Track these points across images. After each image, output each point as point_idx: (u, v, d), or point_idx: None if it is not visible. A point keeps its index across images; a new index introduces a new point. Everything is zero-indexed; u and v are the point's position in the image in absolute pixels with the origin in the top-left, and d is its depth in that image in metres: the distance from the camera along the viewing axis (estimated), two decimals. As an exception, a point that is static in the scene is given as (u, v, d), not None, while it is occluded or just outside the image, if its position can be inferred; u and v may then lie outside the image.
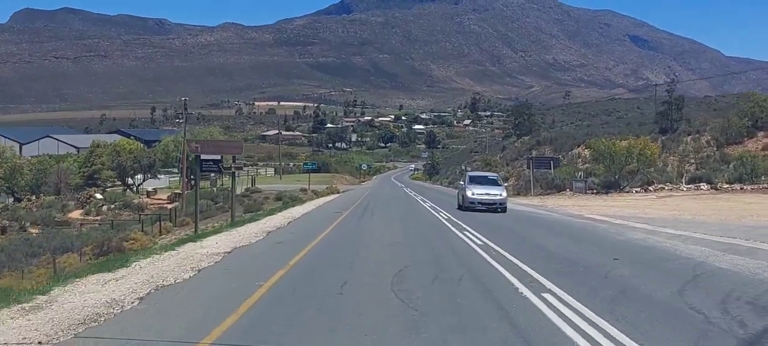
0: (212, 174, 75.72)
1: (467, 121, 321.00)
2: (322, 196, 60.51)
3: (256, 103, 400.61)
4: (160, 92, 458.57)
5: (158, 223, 44.17)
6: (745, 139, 58.33)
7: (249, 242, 18.46)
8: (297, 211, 35.15)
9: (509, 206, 42.21)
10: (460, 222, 25.25)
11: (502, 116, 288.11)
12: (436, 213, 31.93)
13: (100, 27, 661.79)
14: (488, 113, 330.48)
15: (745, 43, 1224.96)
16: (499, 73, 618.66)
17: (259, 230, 22.16)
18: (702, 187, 51.52)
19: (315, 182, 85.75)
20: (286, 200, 48.93)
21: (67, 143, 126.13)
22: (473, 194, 33.75)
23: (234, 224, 26.24)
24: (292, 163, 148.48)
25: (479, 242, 17.58)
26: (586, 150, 72.33)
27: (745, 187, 50.22)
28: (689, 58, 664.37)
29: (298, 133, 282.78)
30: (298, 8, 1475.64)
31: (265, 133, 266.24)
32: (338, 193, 67.12)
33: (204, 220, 45.32)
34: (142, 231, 40.37)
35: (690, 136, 64.39)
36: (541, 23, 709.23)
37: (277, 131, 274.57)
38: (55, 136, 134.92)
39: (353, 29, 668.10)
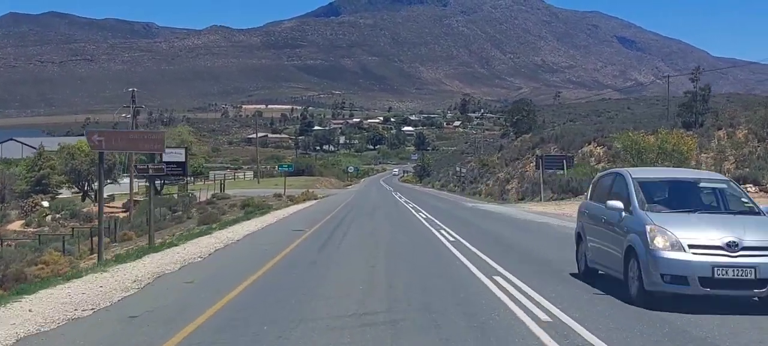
0: (182, 177, 68.22)
1: (457, 123, 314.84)
2: (297, 203, 51.95)
3: (244, 106, 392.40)
4: (147, 96, 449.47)
5: (90, 239, 36.16)
6: (792, 132, 50.22)
7: (93, 306, 9.77)
8: (248, 226, 26.50)
9: (526, 215, 33.87)
10: (476, 250, 16.66)
11: (493, 117, 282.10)
12: (436, 232, 23.07)
13: (87, 31, 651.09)
14: (478, 115, 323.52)
15: (732, 43, 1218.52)
16: (487, 75, 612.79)
17: (153, 270, 13.57)
18: (749, 189, 43.18)
19: (297, 185, 78.31)
20: (249, 210, 40.44)
21: (32, 147, 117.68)
22: (684, 251, 9.68)
23: (140, 252, 17.67)
24: (278, 167, 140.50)
25: (553, 326, 8.50)
26: (598, 148, 64.00)
27: (801, 189, 42.14)
28: (677, 58, 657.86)
29: (284, 135, 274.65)
30: (286, 11, 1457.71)
31: (250, 136, 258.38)
32: (316, 199, 58.27)
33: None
34: (64, 251, 32.12)
35: (721, 131, 56.11)
36: (529, 25, 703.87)
37: (261, 134, 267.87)
38: (19, 139, 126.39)
39: (341, 32, 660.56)
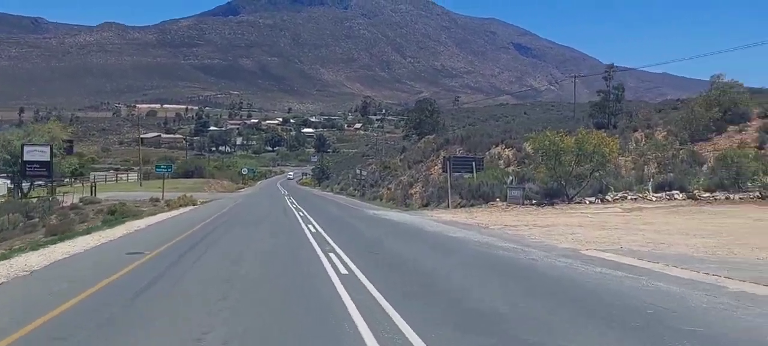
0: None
1: (358, 125, 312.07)
2: (173, 208, 45.39)
3: (138, 105, 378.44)
4: (35, 93, 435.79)
5: None
6: (714, 134, 46.80)
7: None
8: (75, 245, 19.93)
9: (436, 226, 28.62)
10: (379, 298, 11.02)
11: (394, 120, 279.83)
12: (324, 257, 17.29)
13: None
14: (379, 117, 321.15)
15: (620, 51, 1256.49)
16: (388, 79, 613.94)
17: None
18: (676, 196, 39.29)
19: (184, 188, 72.19)
20: (107, 218, 33.88)
21: None
22: None
23: None
24: (155, 168, 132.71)
25: None
26: (507, 150, 59.64)
27: (731, 196, 38.40)
28: (570, 65, 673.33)
29: (179, 135, 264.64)
30: (183, 9, 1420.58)
31: (142, 136, 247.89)
32: (194, 205, 51.58)
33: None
34: None
35: (637, 132, 52.53)
36: (430, 30, 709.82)
37: (154, 134, 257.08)
38: None
39: (240, 31, 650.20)
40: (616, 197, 40.48)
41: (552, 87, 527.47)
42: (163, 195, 55.69)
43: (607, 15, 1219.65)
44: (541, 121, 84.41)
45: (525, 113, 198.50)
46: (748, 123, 47.23)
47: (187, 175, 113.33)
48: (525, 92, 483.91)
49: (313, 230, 25.31)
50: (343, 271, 13.90)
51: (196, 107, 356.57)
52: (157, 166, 74.79)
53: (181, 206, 47.64)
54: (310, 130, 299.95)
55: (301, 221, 31.60)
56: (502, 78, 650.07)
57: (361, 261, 15.50)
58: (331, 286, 12.02)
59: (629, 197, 40.16)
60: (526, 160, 52.26)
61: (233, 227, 27.70)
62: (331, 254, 16.83)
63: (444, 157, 56.07)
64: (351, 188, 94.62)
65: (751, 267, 14.49)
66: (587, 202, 40.28)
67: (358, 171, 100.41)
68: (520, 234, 24.29)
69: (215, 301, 10.64)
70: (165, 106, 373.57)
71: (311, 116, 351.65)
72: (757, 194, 38.41)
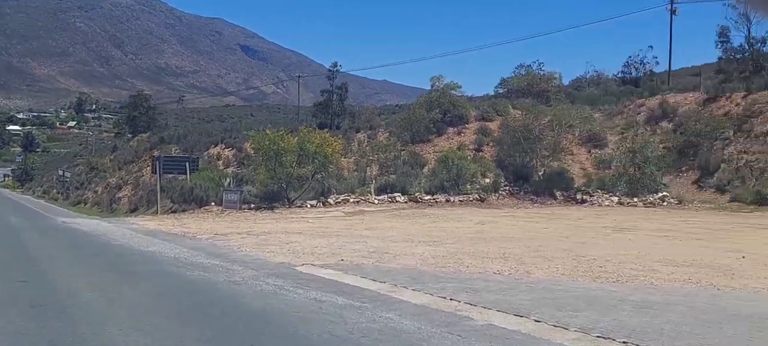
0: None
1: (72, 123, 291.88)
2: None
3: None
4: None
5: None
6: (435, 136, 46.64)
7: None
8: None
9: (132, 239, 24.25)
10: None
11: (112, 119, 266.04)
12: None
13: None
14: (95, 115, 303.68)
15: (346, 60, 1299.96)
16: (107, 75, 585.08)
17: None
18: (398, 199, 38.02)
19: None
20: None
21: None
22: None
23: None
24: None
25: None
26: (227, 149, 56.06)
27: (451, 199, 37.88)
28: (295, 69, 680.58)
29: None
30: None
31: None
32: None
33: None
34: None
35: (360, 133, 51.33)
36: (152, 26, 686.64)
37: None
38: None
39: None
40: (339, 200, 38.58)
41: (278, 90, 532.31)
42: None
43: (330, 23, 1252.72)
44: (267, 122, 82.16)
45: (251, 115, 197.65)
46: (467, 126, 47.85)
47: None
48: (252, 94, 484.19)
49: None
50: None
51: None
52: None
53: None
54: (17, 127, 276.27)
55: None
56: (229, 79, 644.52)
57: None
58: None
59: (352, 200, 38.44)
60: (247, 162, 49.17)
61: None
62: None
63: (153, 157, 51.23)
64: (54, 191, 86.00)
65: (489, 286, 12.27)
66: (309, 205, 37.90)
67: (61, 172, 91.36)
68: (231, 245, 20.92)
69: None
70: None
71: (18, 113, 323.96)
72: (476, 196, 38.25)
